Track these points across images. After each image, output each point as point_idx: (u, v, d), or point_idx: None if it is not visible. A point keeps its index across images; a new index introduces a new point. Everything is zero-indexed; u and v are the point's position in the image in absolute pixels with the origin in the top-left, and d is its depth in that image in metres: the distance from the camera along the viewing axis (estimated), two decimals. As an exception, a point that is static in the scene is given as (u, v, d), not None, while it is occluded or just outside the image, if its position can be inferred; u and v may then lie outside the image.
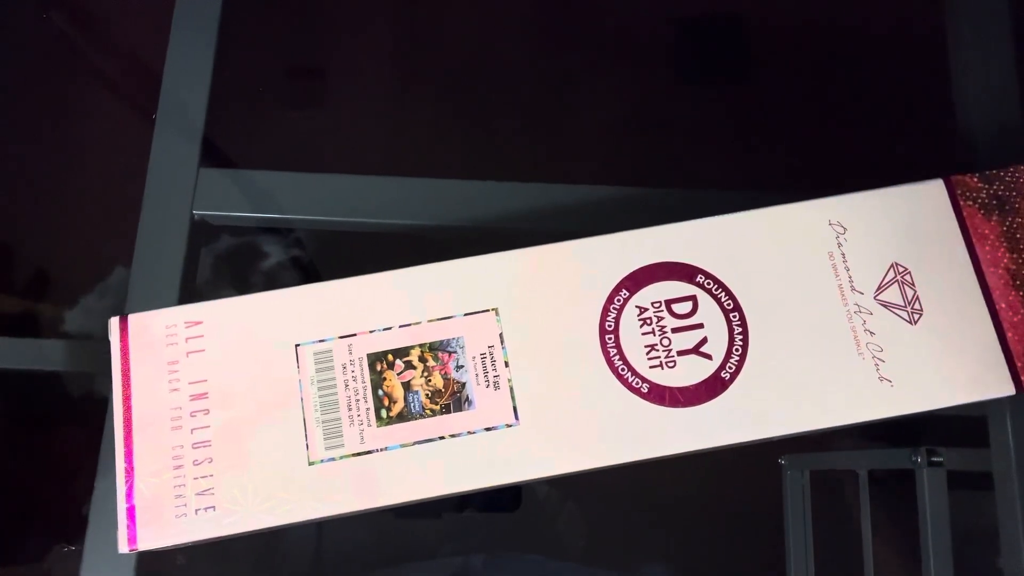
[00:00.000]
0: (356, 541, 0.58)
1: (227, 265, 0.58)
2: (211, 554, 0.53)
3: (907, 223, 0.40)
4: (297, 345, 0.38)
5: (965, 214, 0.40)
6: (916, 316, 0.39)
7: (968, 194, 0.40)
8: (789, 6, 0.66)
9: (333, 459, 0.37)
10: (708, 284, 0.39)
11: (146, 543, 0.35)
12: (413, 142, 0.61)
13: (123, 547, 0.36)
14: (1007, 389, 0.38)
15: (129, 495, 0.36)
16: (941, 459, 0.53)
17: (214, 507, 0.36)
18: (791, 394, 0.38)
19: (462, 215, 0.51)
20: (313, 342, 0.38)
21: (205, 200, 0.51)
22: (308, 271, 0.60)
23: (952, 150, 0.54)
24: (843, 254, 0.39)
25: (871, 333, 0.38)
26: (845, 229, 0.40)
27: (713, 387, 0.38)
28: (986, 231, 0.40)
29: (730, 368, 0.38)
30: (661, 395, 0.38)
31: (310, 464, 0.36)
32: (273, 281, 0.59)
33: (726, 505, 0.61)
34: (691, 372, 0.38)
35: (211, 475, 0.36)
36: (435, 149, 0.61)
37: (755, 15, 0.65)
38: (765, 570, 0.61)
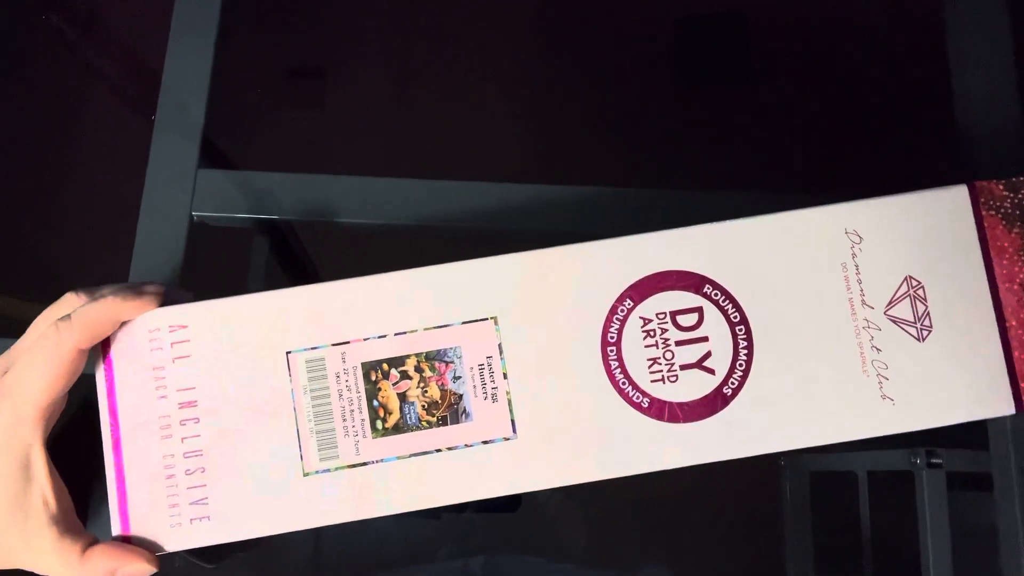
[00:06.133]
0: (355, 543, 0.58)
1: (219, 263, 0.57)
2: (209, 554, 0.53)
3: (925, 232, 0.38)
4: (288, 352, 0.36)
5: (986, 224, 0.38)
6: (925, 333, 0.37)
7: (991, 203, 0.38)
8: (792, 7, 0.66)
9: (328, 470, 0.36)
10: (716, 295, 0.37)
11: None
12: (412, 142, 0.61)
13: None
14: (1007, 408, 0.37)
15: (122, 506, 0.35)
16: (940, 460, 0.53)
17: (208, 517, 0.35)
18: (791, 412, 0.36)
19: (461, 215, 0.51)
20: (305, 349, 0.36)
21: (204, 201, 0.51)
22: (303, 271, 0.59)
23: (952, 150, 0.54)
24: (856, 265, 0.37)
25: (877, 350, 0.37)
26: (861, 239, 0.38)
27: (714, 403, 0.37)
28: (1005, 244, 0.38)
29: (732, 384, 0.37)
30: (661, 410, 0.36)
31: (305, 475, 0.36)
32: (264, 281, 0.58)
33: (726, 505, 0.61)
34: (693, 387, 0.37)
35: (204, 484, 0.35)
36: (434, 149, 0.61)
37: (757, 16, 0.65)
38: (765, 570, 0.61)
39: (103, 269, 0.57)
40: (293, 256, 0.59)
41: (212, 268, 0.55)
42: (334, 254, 0.59)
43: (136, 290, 0.35)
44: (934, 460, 0.53)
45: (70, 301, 0.36)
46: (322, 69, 0.64)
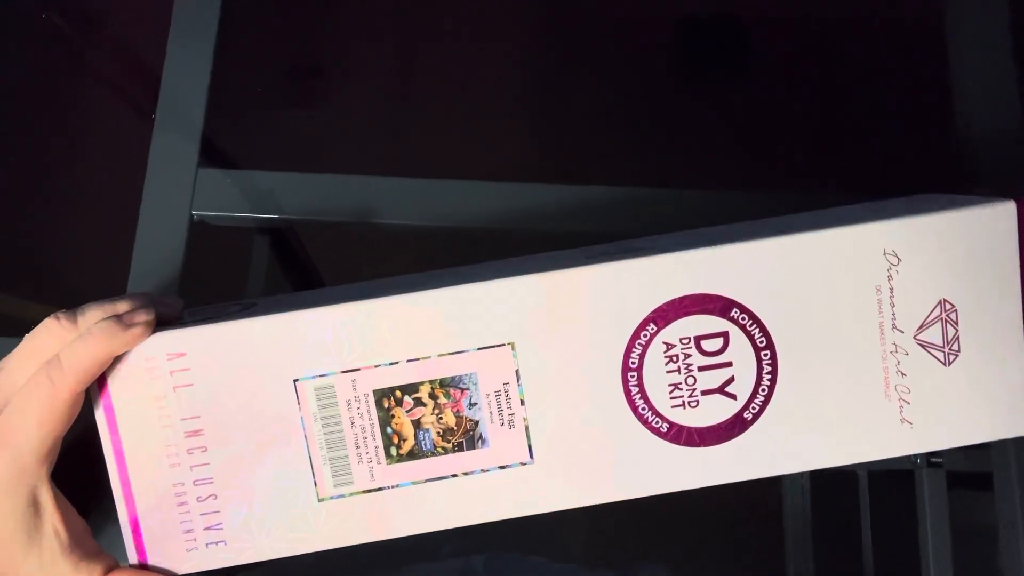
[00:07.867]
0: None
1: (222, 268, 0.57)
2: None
3: (965, 252, 0.35)
4: (296, 380, 0.35)
5: None
6: (952, 357, 0.36)
7: None
8: (792, 7, 0.66)
9: (343, 495, 0.35)
10: (743, 319, 0.35)
11: None
12: (413, 142, 0.61)
13: None
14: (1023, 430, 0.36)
15: (136, 534, 0.35)
16: (941, 459, 0.53)
17: (224, 541, 0.35)
18: (809, 435, 0.36)
19: (463, 215, 0.51)
20: (313, 377, 0.35)
21: (204, 200, 0.50)
22: (304, 271, 0.59)
23: (953, 150, 0.54)
24: (891, 288, 0.35)
25: (902, 375, 0.36)
26: (899, 260, 0.35)
27: (732, 428, 0.36)
28: None
29: (753, 409, 0.36)
30: (679, 435, 0.36)
31: (320, 500, 0.35)
32: (264, 281, 0.58)
33: (726, 504, 0.61)
34: (713, 412, 0.36)
35: (218, 511, 0.35)
36: (435, 149, 0.61)
37: (757, 16, 0.65)
38: (765, 569, 0.61)
39: (103, 267, 0.57)
40: (294, 256, 0.59)
41: (212, 268, 0.55)
42: (335, 254, 0.58)
43: (124, 323, 0.33)
44: (934, 459, 0.53)
45: (52, 329, 0.34)
46: (322, 69, 0.64)
